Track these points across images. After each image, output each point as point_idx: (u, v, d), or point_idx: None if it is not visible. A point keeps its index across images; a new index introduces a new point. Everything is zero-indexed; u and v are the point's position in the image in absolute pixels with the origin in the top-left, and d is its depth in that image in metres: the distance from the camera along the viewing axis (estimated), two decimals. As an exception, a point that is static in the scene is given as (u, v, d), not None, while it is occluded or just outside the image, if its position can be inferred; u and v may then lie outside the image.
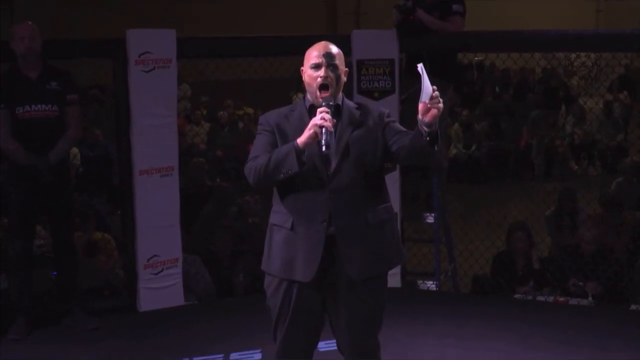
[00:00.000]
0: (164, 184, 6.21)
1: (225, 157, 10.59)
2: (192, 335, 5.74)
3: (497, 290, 6.74)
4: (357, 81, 6.61)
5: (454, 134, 12.83)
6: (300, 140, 3.42)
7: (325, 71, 3.52)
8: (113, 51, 6.21)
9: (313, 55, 3.56)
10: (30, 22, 5.60)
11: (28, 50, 5.53)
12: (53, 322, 5.88)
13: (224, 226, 7.34)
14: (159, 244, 6.22)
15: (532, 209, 7.58)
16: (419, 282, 6.86)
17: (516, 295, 6.64)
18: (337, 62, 3.57)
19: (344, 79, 3.62)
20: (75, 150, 9.05)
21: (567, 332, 5.68)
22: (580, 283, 6.50)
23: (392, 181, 6.47)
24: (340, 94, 3.63)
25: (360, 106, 3.70)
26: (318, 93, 3.53)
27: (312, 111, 3.56)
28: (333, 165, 3.53)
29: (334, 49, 3.59)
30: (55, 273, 6.00)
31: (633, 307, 6.39)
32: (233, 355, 5.36)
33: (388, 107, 6.44)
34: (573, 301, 6.46)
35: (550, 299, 6.52)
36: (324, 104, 3.47)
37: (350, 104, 3.67)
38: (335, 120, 3.44)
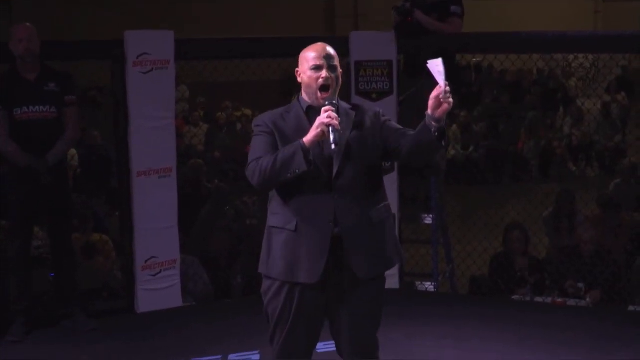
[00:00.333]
0: (162, 186, 6.21)
1: (224, 159, 10.59)
2: (190, 337, 5.74)
3: (495, 291, 6.74)
4: (355, 82, 6.61)
5: (452, 135, 12.83)
6: (307, 139, 3.43)
7: (327, 72, 3.55)
8: (111, 52, 6.21)
9: (312, 56, 3.57)
10: (28, 24, 5.61)
11: (26, 52, 5.53)
12: (52, 324, 5.88)
13: (222, 228, 7.34)
14: (157, 245, 6.23)
15: (530, 210, 7.59)
16: (417, 283, 6.87)
17: (514, 297, 6.65)
18: (336, 63, 3.61)
19: (341, 80, 3.65)
20: (73, 151, 9.04)
21: (565, 333, 5.69)
22: (580, 285, 6.50)
23: (390, 182, 6.48)
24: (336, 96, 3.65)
25: (354, 107, 3.73)
26: (319, 94, 3.55)
27: (310, 112, 3.59)
28: (337, 165, 3.54)
29: (332, 50, 3.62)
30: (53, 274, 6.00)
31: (631, 308, 6.39)
32: (231, 357, 5.36)
33: (386, 109, 6.48)
34: (571, 302, 6.46)
35: (548, 300, 6.52)
36: (327, 103, 3.50)
37: (345, 105, 3.70)
38: (339, 119, 3.46)
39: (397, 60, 6.66)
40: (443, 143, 3.42)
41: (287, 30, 11.34)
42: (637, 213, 7.99)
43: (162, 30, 6.29)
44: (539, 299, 6.54)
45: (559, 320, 5.98)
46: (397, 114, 6.61)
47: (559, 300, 6.49)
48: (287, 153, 3.44)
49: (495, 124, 13.31)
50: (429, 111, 3.39)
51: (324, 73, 3.54)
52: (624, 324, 5.91)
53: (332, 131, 3.40)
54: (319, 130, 3.41)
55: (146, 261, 6.20)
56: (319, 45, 3.63)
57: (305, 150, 3.42)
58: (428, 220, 6.83)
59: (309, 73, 3.57)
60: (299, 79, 3.64)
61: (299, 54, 3.67)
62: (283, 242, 3.58)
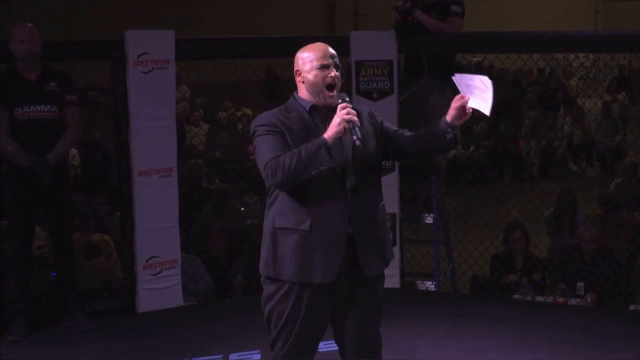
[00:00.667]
0: (163, 185, 6.21)
1: (225, 159, 10.60)
2: (191, 336, 5.74)
3: (496, 290, 6.75)
4: (356, 82, 6.61)
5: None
6: (328, 135, 3.44)
7: (334, 71, 3.57)
8: (112, 52, 6.21)
9: (319, 56, 3.57)
10: (30, 24, 5.60)
11: (28, 53, 5.52)
12: (52, 323, 5.88)
13: (223, 227, 7.34)
14: (157, 245, 6.22)
15: (531, 209, 7.59)
16: (418, 282, 6.87)
17: (515, 296, 6.65)
18: (338, 62, 3.64)
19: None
20: (73, 151, 9.04)
21: (566, 332, 5.69)
22: (580, 284, 6.50)
23: (391, 182, 6.49)
24: None
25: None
26: (326, 92, 3.56)
27: (313, 111, 3.58)
28: (350, 164, 3.56)
29: (333, 50, 3.64)
30: (54, 274, 6.00)
31: (632, 307, 6.39)
32: (232, 356, 5.36)
33: (386, 108, 6.52)
34: (572, 301, 6.46)
35: (549, 299, 6.52)
36: (340, 100, 3.52)
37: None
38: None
39: (397, 60, 6.66)
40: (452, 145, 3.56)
41: (286, 30, 11.34)
42: (638, 212, 7.98)
43: (163, 30, 6.28)
44: (539, 298, 6.54)
45: (560, 320, 5.99)
46: (397, 113, 6.61)
47: (560, 299, 6.49)
48: (311, 150, 3.43)
49: (495, 123, 13.29)
50: (449, 119, 3.52)
51: (332, 72, 3.56)
52: (625, 323, 5.90)
53: (353, 127, 3.44)
54: (340, 126, 3.43)
55: (147, 261, 6.19)
56: (321, 45, 3.63)
57: (328, 147, 3.43)
58: (429, 219, 6.83)
59: (315, 72, 3.56)
60: (298, 79, 3.62)
61: (300, 53, 3.67)
62: (295, 243, 3.53)
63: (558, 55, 11.28)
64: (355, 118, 3.45)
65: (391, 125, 3.75)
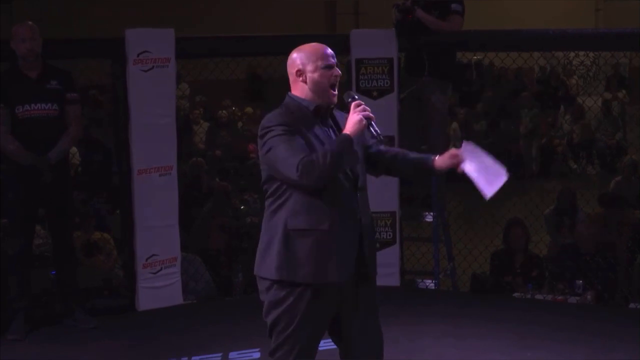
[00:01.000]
0: (163, 184, 6.21)
1: (225, 157, 10.59)
2: (191, 335, 5.74)
3: (496, 288, 6.75)
4: (356, 80, 6.61)
5: (452, 133, 12.82)
6: (352, 132, 3.45)
7: (338, 70, 3.58)
8: (112, 51, 6.21)
9: (325, 55, 3.55)
10: (30, 23, 5.60)
11: (29, 52, 5.52)
12: (52, 322, 5.88)
13: (223, 225, 7.35)
14: (157, 243, 6.23)
15: (531, 207, 7.59)
16: (418, 280, 6.87)
17: (515, 294, 6.65)
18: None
19: None
20: (73, 149, 9.04)
21: (566, 330, 5.68)
22: (579, 282, 6.50)
23: (391, 180, 6.48)
24: None
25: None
26: (331, 92, 3.55)
27: (317, 111, 3.55)
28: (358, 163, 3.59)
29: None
30: (54, 272, 6.00)
31: (632, 305, 6.39)
32: (232, 355, 5.36)
33: (387, 106, 6.52)
34: (572, 300, 6.46)
35: (549, 297, 6.52)
36: (350, 100, 3.54)
37: None
38: None
39: (397, 58, 6.66)
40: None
41: (287, 28, 11.35)
42: (638, 210, 7.98)
43: (163, 28, 6.28)
44: (539, 297, 6.54)
45: (560, 318, 5.98)
46: (397, 111, 6.61)
47: (560, 297, 6.49)
48: (341, 148, 3.42)
49: (495, 121, 13.29)
50: (439, 161, 3.65)
51: (336, 71, 3.56)
52: (625, 321, 5.90)
53: (370, 123, 3.48)
54: (362, 123, 3.46)
55: (147, 259, 6.19)
56: (320, 45, 3.61)
57: (352, 144, 3.46)
58: (429, 218, 6.83)
59: (321, 72, 3.53)
60: (300, 79, 3.54)
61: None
62: (312, 244, 3.46)
63: (558, 53, 11.27)
64: (372, 115, 3.48)
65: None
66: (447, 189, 7.20)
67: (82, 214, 7.04)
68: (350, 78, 6.57)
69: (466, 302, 6.55)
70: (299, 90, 3.57)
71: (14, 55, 5.59)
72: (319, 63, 3.53)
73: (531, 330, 5.67)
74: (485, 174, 3.56)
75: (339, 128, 3.58)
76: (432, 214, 6.79)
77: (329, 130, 3.57)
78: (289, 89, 3.62)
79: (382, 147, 3.73)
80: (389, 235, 6.62)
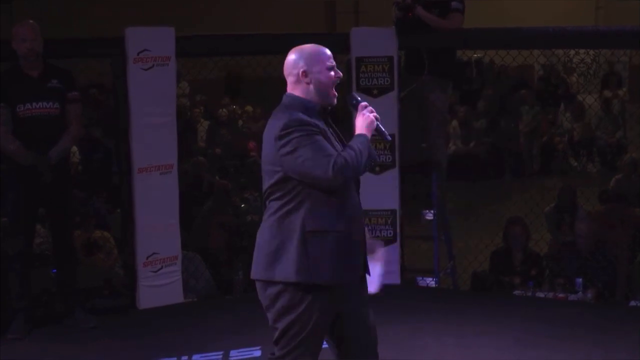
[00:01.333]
0: (163, 182, 6.21)
1: (225, 155, 10.59)
2: (192, 333, 5.74)
3: (497, 286, 6.75)
4: (356, 78, 6.61)
5: (452, 131, 12.82)
6: (367, 132, 3.51)
7: (339, 71, 3.60)
8: (112, 49, 6.21)
9: (328, 56, 3.56)
10: (32, 22, 5.60)
11: (30, 52, 5.53)
12: (53, 321, 5.89)
13: (224, 224, 7.35)
14: (158, 241, 6.23)
15: (531, 205, 7.59)
16: (418, 278, 6.87)
17: (515, 292, 6.65)
18: None
19: None
20: (74, 148, 9.04)
21: (567, 328, 5.69)
22: (578, 279, 6.51)
23: (391, 178, 6.49)
24: None
25: None
26: (333, 92, 3.56)
27: (321, 112, 3.55)
28: None
29: None
30: (55, 271, 6.00)
31: (632, 303, 6.39)
32: (233, 353, 5.36)
33: (387, 105, 6.52)
34: (572, 297, 6.46)
35: (550, 295, 6.52)
36: (354, 102, 3.60)
37: None
38: None
39: (397, 56, 6.65)
40: None
41: (287, 27, 11.33)
42: (639, 208, 7.98)
43: (163, 27, 6.28)
44: (540, 294, 6.54)
45: (561, 316, 5.98)
46: (398, 110, 6.61)
47: (561, 295, 6.49)
48: (364, 146, 3.46)
49: (496, 119, 13.28)
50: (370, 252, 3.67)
51: (339, 72, 3.58)
52: (625, 319, 5.91)
53: (379, 125, 3.56)
54: (374, 124, 3.53)
55: (147, 257, 6.20)
56: (321, 46, 3.61)
57: (369, 144, 3.52)
58: (429, 216, 6.83)
59: (327, 73, 3.52)
60: (305, 80, 3.50)
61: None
62: (331, 244, 3.43)
63: (558, 51, 11.25)
64: (378, 116, 3.55)
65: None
66: (448, 187, 7.21)
67: (82, 213, 7.03)
68: (351, 76, 6.57)
69: (466, 300, 6.55)
70: (301, 91, 3.52)
71: (15, 55, 5.59)
72: (326, 64, 3.53)
73: (532, 328, 5.67)
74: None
75: (335, 129, 3.59)
76: (432, 212, 6.79)
77: (331, 131, 3.57)
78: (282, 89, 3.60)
79: None
80: (390, 233, 6.63)
